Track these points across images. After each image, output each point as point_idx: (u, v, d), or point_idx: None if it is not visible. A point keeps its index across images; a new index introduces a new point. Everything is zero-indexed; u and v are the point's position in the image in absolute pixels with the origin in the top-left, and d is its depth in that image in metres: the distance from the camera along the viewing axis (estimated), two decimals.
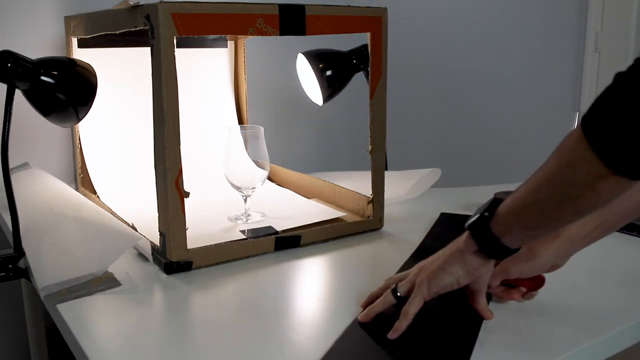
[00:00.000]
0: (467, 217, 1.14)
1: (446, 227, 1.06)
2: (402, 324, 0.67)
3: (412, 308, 0.68)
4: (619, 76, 0.54)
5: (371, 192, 1.04)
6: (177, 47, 0.80)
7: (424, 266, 0.71)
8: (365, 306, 0.73)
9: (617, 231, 1.02)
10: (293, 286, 0.85)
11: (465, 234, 0.69)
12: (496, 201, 0.68)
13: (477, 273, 0.69)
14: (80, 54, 1.17)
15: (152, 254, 0.90)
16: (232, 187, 1.03)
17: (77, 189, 1.22)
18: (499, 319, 0.71)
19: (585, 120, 0.55)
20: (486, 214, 0.67)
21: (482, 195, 1.26)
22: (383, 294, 0.72)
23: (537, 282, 0.75)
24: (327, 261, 0.93)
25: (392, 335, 0.67)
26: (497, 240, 0.66)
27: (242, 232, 0.98)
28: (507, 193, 1.18)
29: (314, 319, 0.74)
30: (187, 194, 0.85)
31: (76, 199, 1.03)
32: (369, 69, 1.00)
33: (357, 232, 1.03)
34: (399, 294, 0.70)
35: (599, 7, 2.31)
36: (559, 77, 2.33)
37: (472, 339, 0.67)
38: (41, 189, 1.08)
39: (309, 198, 1.20)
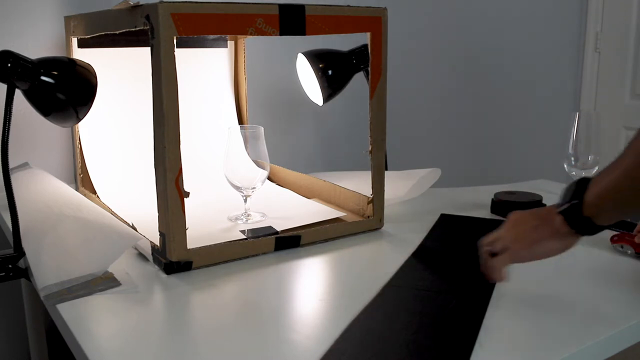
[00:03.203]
0: (466, 218, 1.15)
1: (446, 228, 1.06)
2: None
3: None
4: None
5: (371, 192, 1.04)
6: (177, 47, 0.80)
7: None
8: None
9: (617, 231, 1.03)
10: (293, 286, 0.85)
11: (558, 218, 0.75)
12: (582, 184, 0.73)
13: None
14: (80, 54, 1.17)
15: (152, 254, 0.90)
16: (232, 187, 1.03)
17: (77, 189, 1.22)
18: (498, 319, 0.71)
19: None
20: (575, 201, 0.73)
21: (482, 195, 1.27)
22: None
23: None
24: (327, 261, 0.93)
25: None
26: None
27: (242, 232, 0.98)
28: (508, 193, 1.19)
29: (314, 319, 0.74)
30: (187, 194, 0.85)
31: (76, 199, 1.03)
32: (369, 69, 1.00)
33: (357, 232, 1.04)
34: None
35: (599, 7, 2.31)
36: (559, 77, 2.33)
37: (472, 340, 0.67)
38: (41, 189, 1.08)
39: (309, 198, 1.20)
